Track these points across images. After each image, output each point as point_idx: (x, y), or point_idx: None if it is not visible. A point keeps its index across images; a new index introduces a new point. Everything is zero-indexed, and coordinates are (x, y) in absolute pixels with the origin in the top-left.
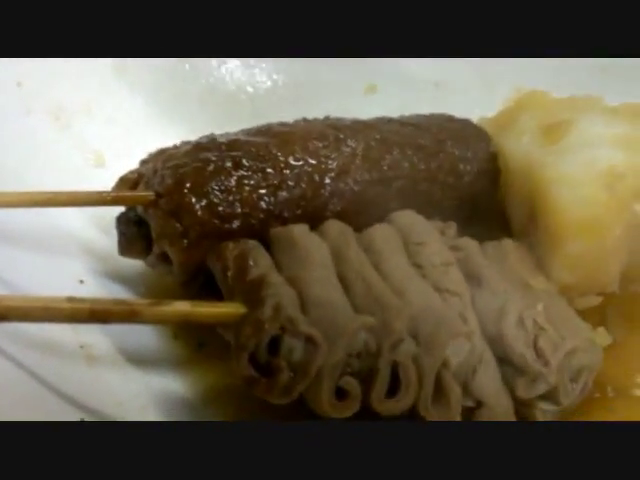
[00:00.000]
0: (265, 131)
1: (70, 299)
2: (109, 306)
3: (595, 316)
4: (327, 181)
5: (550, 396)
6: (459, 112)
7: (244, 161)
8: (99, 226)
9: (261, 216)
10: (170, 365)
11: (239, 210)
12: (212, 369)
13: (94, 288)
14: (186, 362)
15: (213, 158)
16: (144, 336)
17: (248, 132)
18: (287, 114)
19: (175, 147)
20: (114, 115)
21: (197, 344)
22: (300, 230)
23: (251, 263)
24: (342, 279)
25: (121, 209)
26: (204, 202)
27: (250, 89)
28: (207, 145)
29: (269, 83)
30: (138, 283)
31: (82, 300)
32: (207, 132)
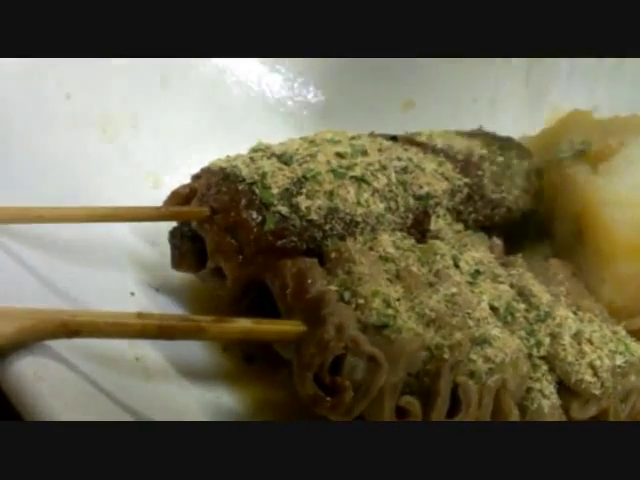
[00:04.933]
0: (312, 140)
1: (140, 315)
2: (176, 322)
3: None
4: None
5: (600, 417)
6: (496, 128)
7: (298, 177)
8: (146, 238)
9: (316, 232)
10: (220, 378)
11: (294, 227)
12: (260, 382)
13: (144, 300)
14: (235, 375)
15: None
16: (194, 349)
17: (298, 145)
18: (325, 127)
19: (226, 161)
20: (159, 127)
21: (244, 357)
22: (356, 246)
23: (309, 281)
24: (401, 296)
25: (172, 223)
26: (259, 219)
27: (289, 102)
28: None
29: (308, 97)
30: (186, 296)
31: (151, 316)
32: (248, 145)
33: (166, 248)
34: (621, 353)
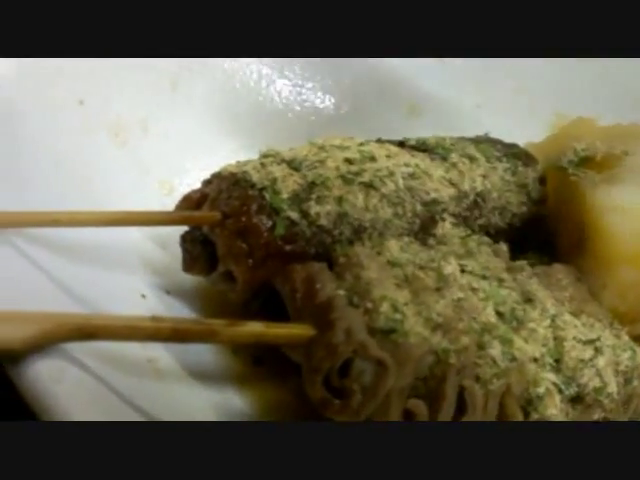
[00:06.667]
0: (321, 146)
1: (154, 318)
2: (189, 326)
3: None
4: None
5: (602, 421)
6: (500, 134)
7: (307, 183)
8: (156, 241)
9: (325, 237)
10: (230, 380)
11: (303, 232)
12: (270, 385)
13: (155, 303)
14: (245, 377)
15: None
16: (204, 351)
17: (307, 151)
18: (332, 132)
19: (237, 167)
20: (169, 132)
21: (254, 360)
22: (364, 252)
23: (319, 286)
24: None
25: (183, 227)
26: (270, 224)
27: (297, 107)
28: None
29: (316, 102)
30: (197, 298)
31: (164, 319)
32: (257, 150)
33: (177, 251)
34: (624, 358)
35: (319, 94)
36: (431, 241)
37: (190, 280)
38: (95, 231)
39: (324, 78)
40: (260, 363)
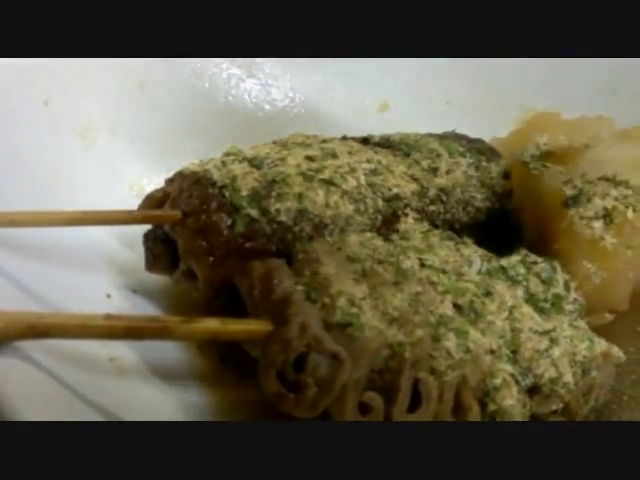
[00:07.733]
0: (284, 144)
1: (107, 317)
2: (143, 323)
3: (605, 333)
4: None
5: (562, 411)
6: (469, 130)
7: (268, 180)
8: (122, 241)
9: (285, 234)
10: (195, 377)
11: (263, 229)
12: (234, 381)
13: (121, 302)
14: (210, 374)
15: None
16: (169, 348)
17: (270, 149)
18: (303, 131)
19: (199, 165)
20: (137, 132)
21: (220, 357)
22: (323, 247)
23: (276, 282)
24: (366, 295)
25: (147, 225)
26: (229, 221)
27: (267, 107)
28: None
29: (286, 101)
30: (162, 297)
31: (118, 317)
32: (225, 148)
33: (143, 251)
34: (582, 348)
35: (289, 93)
36: (394, 236)
37: (156, 279)
38: (60, 232)
39: (294, 77)
40: (226, 360)
